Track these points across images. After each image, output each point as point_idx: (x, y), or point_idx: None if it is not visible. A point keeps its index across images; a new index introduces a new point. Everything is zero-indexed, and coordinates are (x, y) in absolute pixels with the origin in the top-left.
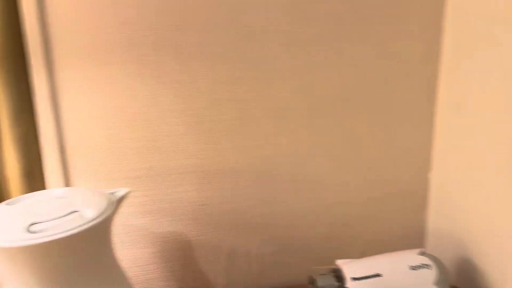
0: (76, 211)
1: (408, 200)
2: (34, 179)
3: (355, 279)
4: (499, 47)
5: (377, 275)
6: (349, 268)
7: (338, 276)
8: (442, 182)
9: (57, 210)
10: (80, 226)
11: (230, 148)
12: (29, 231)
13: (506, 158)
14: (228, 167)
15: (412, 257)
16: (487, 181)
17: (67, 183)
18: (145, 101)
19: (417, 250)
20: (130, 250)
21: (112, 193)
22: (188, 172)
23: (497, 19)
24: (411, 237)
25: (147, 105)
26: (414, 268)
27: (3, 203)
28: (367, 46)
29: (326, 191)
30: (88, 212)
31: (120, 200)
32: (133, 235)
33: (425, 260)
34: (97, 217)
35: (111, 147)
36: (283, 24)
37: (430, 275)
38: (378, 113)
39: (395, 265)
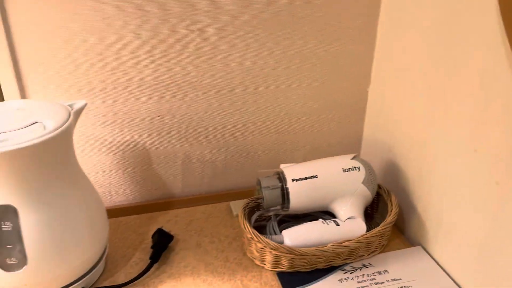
0: (38, 122)
1: (348, 111)
2: None
3: (294, 180)
4: None
5: (314, 177)
6: (290, 170)
7: (281, 177)
8: (378, 95)
9: (19, 121)
10: (42, 136)
11: (185, 62)
12: None
13: (431, 78)
14: (184, 81)
15: (345, 161)
16: (414, 97)
17: (24, 96)
18: (101, 14)
19: (350, 155)
20: (93, 158)
21: (71, 105)
22: (145, 85)
23: None
24: (348, 144)
25: (103, 19)
26: (346, 170)
27: None
28: None
29: (276, 102)
30: (49, 123)
31: (79, 111)
32: (95, 144)
33: (356, 163)
34: (59, 127)
35: (68, 60)
36: None
37: (359, 176)
38: (324, 29)
39: (329, 168)
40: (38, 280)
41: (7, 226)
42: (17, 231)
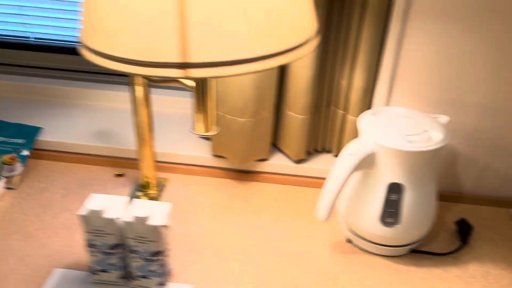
0: (427, 131)
1: None
2: (367, 94)
3: None
4: None
5: None
6: None
7: None
8: None
9: (413, 128)
10: (436, 144)
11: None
12: (408, 141)
13: None
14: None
15: None
16: None
17: (387, 102)
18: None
19: None
20: None
21: (435, 118)
22: (478, 105)
23: None
24: None
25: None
26: None
27: (369, 111)
28: None
29: None
30: (435, 134)
31: (444, 126)
32: None
33: None
34: (444, 139)
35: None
36: None
37: None
38: None
39: None
40: (401, 236)
41: (394, 197)
42: (399, 201)
